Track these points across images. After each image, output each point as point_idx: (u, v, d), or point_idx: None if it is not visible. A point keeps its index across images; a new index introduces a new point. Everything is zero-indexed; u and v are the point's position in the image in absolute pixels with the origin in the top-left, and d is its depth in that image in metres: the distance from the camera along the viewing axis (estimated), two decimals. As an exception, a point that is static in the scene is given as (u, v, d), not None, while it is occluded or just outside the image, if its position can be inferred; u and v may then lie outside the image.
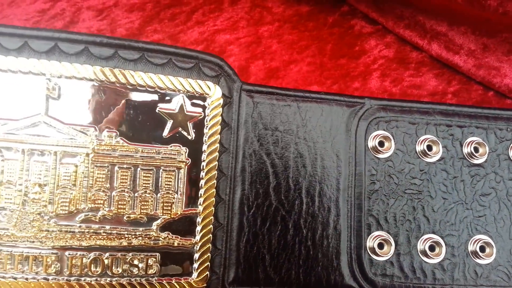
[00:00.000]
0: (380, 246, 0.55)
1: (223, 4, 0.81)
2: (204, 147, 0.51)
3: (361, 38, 0.79)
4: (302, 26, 0.79)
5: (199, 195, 0.51)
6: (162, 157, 0.50)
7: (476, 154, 0.59)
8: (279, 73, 0.74)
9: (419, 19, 0.76)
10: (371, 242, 0.55)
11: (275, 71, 0.75)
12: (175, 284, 0.49)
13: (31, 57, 0.46)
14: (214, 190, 0.52)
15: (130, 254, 0.48)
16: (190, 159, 0.51)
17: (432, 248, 0.56)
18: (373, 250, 0.55)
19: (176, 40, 0.77)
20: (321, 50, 0.77)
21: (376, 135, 0.57)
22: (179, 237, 0.50)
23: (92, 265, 0.47)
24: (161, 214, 0.49)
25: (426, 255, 0.56)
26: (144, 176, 0.49)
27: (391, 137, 0.58)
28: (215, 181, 0.52)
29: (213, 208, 0.52)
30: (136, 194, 0.49)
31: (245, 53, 0.76)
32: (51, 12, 0.78)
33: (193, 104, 0.51)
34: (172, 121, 0.50)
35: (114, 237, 0.48)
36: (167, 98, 0.50)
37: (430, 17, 0.75)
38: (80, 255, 0.47)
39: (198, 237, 0.51)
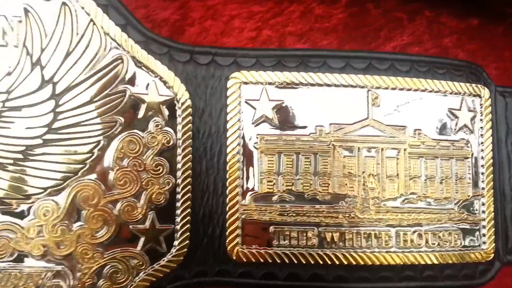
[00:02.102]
0: None
1: (403, 22, 0.93)
2: (481, 140, 0.62)
3: (532, 43, 0.90)
4: (477, 37, 0.90)
5: (481, 180, 0.62)
6: (453, 148, 0.61)
7: None
8: (472, 78, 0.85)
9: None
10: None
11: (468, 76, 0.85)
12: (471, 254, 0.60)
13: (353, 73, 0.59)
14: (492, 175, 0.62)
15: (441, 228, 0.59)
16: (472, 150, 0.62)
17: None
18: None
19: (374, 56, 0.88)
20: (501, 57, 0.88)
21: None
22: (470, 215, 0.61)
23: (415, 239, 0.58)
24: (459, 197, 0.60)
25: None
26: (445, 165, 0.60)
27: None
28: (491, 167, 0.62)
29: (492, 190, 0.62)
30: (439, 180, 0.60)
31: (436, 63, 0.87)
32: (260, 39, 0.91)
33: (471, 104, 0.62)
34: (459, 118, 0.61)
35: (427, 215, 0.59)
36: (454, 100, 0.61)
37: None
38: (406, 230, 0.58)
39: (484, 215, 0.61)
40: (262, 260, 0.56)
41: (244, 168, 0.57)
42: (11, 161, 0.51)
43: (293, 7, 0.99)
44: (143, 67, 0.55)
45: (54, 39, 0.52)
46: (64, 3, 0.52)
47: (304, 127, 0.58)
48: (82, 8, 0.53)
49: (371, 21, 0.98)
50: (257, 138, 0.57)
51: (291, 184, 0.57)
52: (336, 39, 0.96)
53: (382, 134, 0.59)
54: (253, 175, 0.57)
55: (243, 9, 0.98)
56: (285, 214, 0.57)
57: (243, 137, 0.57)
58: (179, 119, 0.55)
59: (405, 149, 0.60)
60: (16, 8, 0.51)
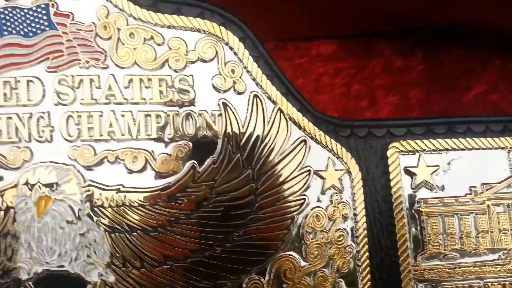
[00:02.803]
0: None
1: (476, 71, 1.00)
2: None
3: None
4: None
5: None
6: None
7: None
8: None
9: None
10: None
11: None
12: None
13: (494, 136, 0.65)
14: None
15: None
16: None
17: None
18: None
19: (460, 103, 0.95)
20: None
21: None
22: None
23: None
24: None
25: None
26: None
27: None
28: None
29: None
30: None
31: (516, 108, 0.95)
32: (351, 94, 0.97)
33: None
34: None
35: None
36: None
37: None
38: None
39: None
40: (438, 318, 0.63)
41: (411, 231, 0.63)
42: (220, 243, 0.55)
43: (374, 62, 1.06)
44: (320, 145, 0.60)
45: (249, 128, 0.57)
46: (255, 96, 0.58)
47: (460, 188, 0.64)
48: (269, 98, 0.58)
49: (449, 71, 1.06)
50: (419, 202, 0.63)
51: (454, 243, 0.63)
52: (420, 90, 1.03)
53: (526, 190, 0.66)
54: (420, 237, 0.63)
55: (328, 66, 1.05)
56: (453, 272, 0.63)
57: (406, 202, 0.63)
58: (353, 190, 0.61)
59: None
60: (215, 103, 0.57)
